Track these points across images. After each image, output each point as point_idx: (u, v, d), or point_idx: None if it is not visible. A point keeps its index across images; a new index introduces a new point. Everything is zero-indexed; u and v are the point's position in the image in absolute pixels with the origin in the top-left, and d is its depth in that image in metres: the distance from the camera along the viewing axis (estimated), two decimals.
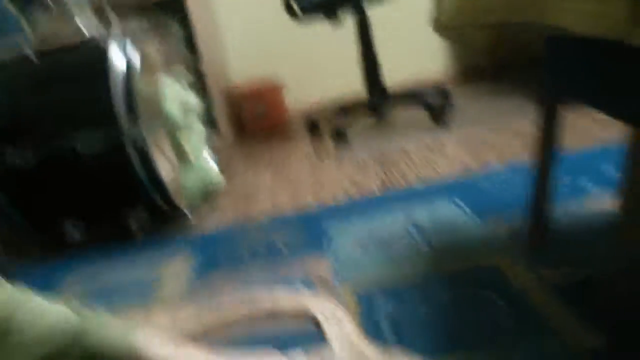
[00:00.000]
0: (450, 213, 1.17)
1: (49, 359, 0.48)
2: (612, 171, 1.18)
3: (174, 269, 1.21)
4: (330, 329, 0.79)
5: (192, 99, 1.55)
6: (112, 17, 1.46)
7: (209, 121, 1.84)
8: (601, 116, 0.82)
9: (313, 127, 2.45)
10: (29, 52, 1.36)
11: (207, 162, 1.55)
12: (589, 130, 1.55)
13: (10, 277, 1.26)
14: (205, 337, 0.88)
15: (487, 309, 0.79)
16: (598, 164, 1.24)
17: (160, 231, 1.48)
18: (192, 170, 1.48)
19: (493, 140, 1.70)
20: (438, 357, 0.69)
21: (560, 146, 0.88)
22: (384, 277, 0.95)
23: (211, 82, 2.08)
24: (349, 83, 2.48)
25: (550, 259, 0.88)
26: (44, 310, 0.51)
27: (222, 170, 1.62)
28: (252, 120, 2.89)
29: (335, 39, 2.40)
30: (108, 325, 0.51)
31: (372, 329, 0.79)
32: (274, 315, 0.89)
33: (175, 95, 1.45)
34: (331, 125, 2.13)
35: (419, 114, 2.12)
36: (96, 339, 0.49)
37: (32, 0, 1.45)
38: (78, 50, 1.41)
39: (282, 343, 0.80)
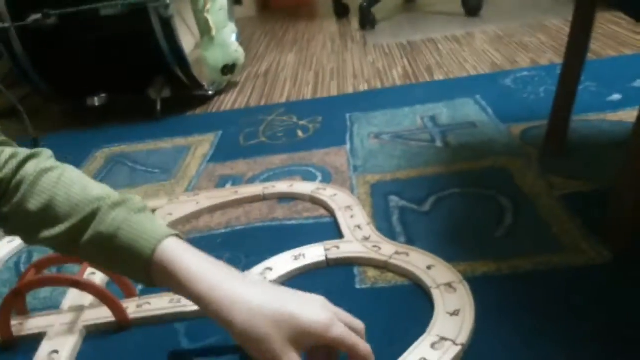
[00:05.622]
0: (471, 111, 1.17)
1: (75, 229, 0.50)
2: None
3: (195, 146, 1.23)
4: (343, 219, 0.82)
5: None
6: None
7: None
8: None
9: (340, 8, 2.36)
10: None
11: (230, 37, 1.52)
12: (627, 38, 1.48)
13: (37, 146, 1.29)
14: (223, 211, 0.92)
15: (491, 208, 0.81)
16: (628, 74, 1.21)
17: (181, 108, 1.49)
18: (214, 44, 1.46)
19: (525, 39, 1.63)
20: (440, 252, 0.72)
21: (590, 51, 0.84)
22: (397, 171, 0.97)
23: None
24: None
25: (564, 168, 0.88)
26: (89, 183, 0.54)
27: (244, 47, 1.60)
28: None
29: None
30: (146, 220, 0.51)
31: (382, 220, 0.83)
32: (290, 198, 0.93)
33: None
34: (359, 8, 2.05)
35: (452, 1, 2.03)
36: (127, 228, 0.49)
37: None
38: None
39: (297, 229, 0.85)
